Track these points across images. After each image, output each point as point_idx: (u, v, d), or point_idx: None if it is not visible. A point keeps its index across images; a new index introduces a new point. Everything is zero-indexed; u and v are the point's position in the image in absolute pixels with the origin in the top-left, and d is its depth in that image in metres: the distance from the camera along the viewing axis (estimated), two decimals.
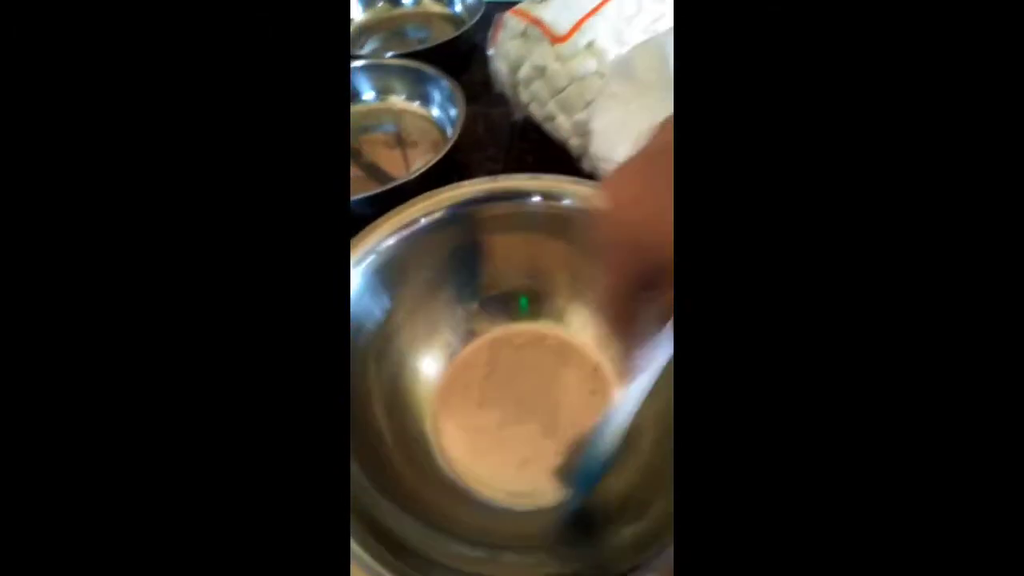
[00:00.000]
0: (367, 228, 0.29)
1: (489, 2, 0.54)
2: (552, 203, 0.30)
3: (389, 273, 0.29)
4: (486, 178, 0.31)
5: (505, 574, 0.23)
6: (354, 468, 0.23)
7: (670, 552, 0.20)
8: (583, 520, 0.24)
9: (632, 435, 0.27)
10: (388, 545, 0.21)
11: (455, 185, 0.30)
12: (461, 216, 0.30)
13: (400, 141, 0.45)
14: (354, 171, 0.43)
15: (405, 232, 0.29)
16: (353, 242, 0.28)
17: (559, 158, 0.40)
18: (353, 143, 0.45)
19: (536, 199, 0.30)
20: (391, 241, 0.29)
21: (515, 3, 0.42)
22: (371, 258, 0.28)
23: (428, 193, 0.30)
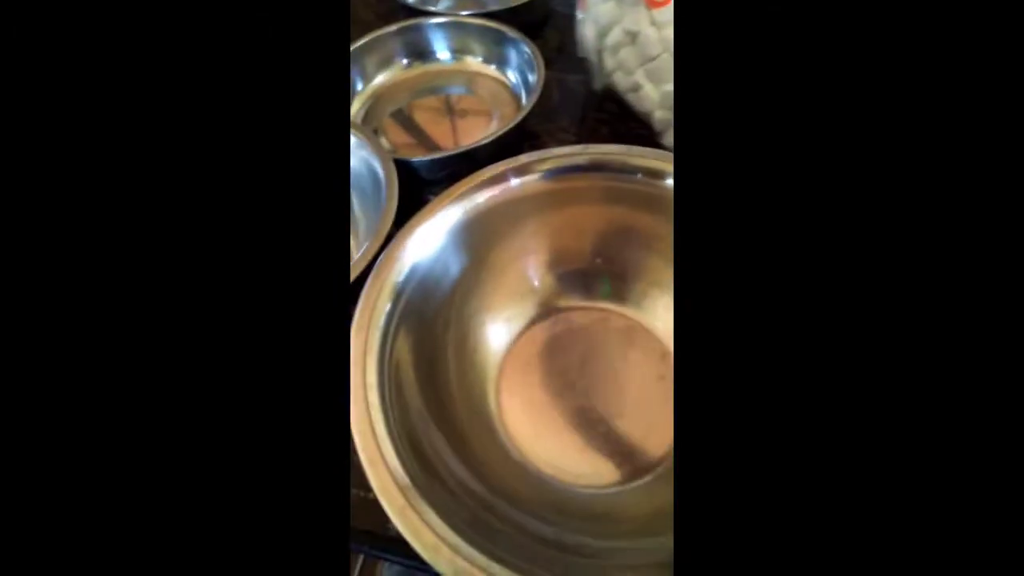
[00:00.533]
0: (460, 182, 0.28)
1: None
2: (654, 181, 0.28)
3: (472, 232, 0.28)
4: (586, 146, 0.29)
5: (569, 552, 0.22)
6: (432, 427, 0.23)
7: None
8: None
9: None
10: (456, 507, 0.20)
11: (553, 150, 0.29)
12: (556, 183, 0.29)
13: (449, 109, 0.44)
14: (405, 137, 0.42)
15: (495, 191, 0.28)
16: (443, 195, 0.28)
17: (636, 132, 0.38)
18: (404, 107, 0.44)
19: (639, 176, 0.28)
20: (480, 199, 0.28)
21: None
22: (458, 214, 0.27)
23: (526, 155, 0.29)
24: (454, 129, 0.42)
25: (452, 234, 0.28)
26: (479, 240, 0.28)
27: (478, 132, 0.41)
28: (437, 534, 0.19)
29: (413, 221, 0.27)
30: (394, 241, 0.26)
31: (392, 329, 0.24)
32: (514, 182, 0.28)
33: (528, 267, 0.30)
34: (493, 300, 0.29)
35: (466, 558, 0.18)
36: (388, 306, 0.25)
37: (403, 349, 0.25)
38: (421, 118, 0.43)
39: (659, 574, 0.20)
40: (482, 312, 0.29)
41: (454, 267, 0.28)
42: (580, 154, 0.29)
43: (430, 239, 0.27)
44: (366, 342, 0.23)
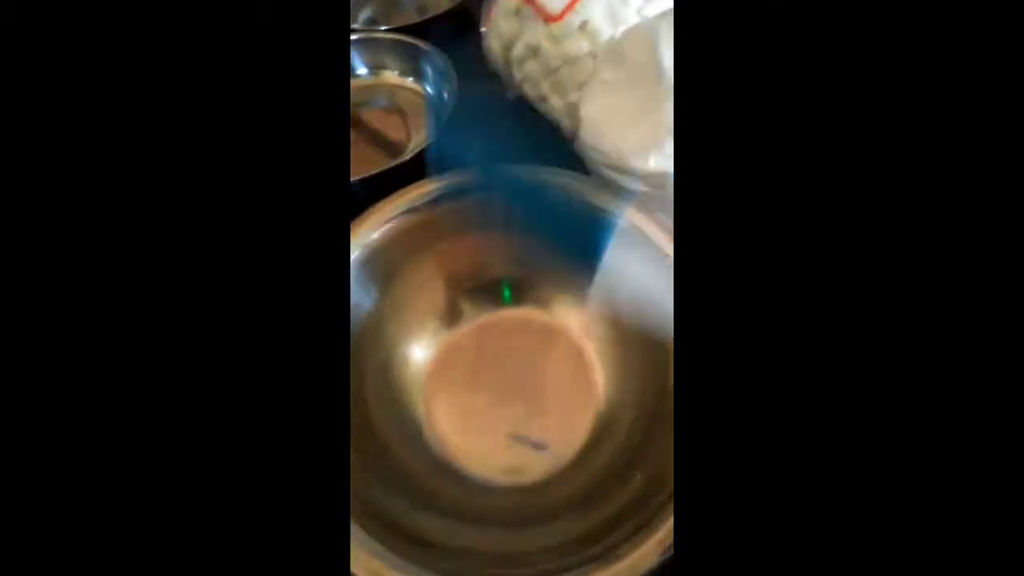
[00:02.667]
0: (354, 222, 0.30)
1: None
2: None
3: (375, 267, 0.30)
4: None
5: (495, 548, 0.25)
6: (353, 458, 0.25)
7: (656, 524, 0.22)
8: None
9: (608, 421, 0.29)
10: (385, 526, 0.23)
11: (438, 178, 0.31)
12: (446, 208, 0.31)
13: (399, 111, 0.45)
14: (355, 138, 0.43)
15: (391, 225, 0.30)
16: None
17: (552, 140, 0.40)
18: (352, 112, 0.45)
19: None
20: (376, 235, 0.30)
21: None
22: (357, 253, 0.30)
23: (413, 185, 0.31)
24: (407, 127, 0.44)
25: (356, 272, 0.29)
26: (383, 272, 0.31)
27: (402, 145, 0.42)
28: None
29: None
30: None
31: None
32: (408, 213, 0.31)
33: (437, 287, 0.33)
34: (409, 322, 0.32)
35: None
36: None
37: None
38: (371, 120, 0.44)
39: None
40: (402, 335, 0.31)
41: (365, 301, 0.30)
42: (464, 178, 0.31)
43: None
44: None
